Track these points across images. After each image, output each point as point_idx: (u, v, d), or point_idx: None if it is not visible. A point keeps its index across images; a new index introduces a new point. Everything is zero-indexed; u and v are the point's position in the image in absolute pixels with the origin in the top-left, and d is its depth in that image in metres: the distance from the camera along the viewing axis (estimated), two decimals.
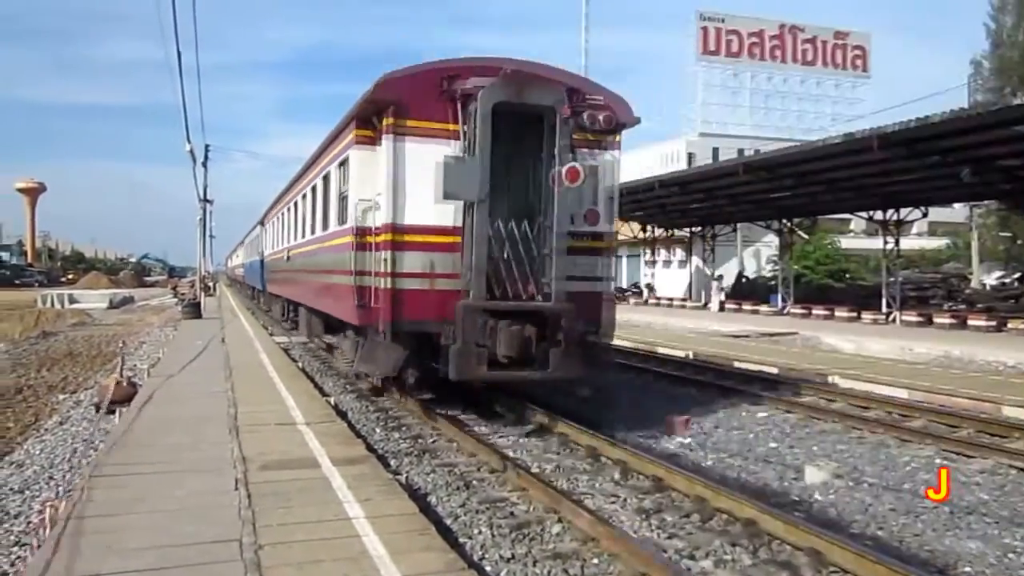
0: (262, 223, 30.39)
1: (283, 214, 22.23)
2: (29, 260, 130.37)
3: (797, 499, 7.76)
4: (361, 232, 10.57)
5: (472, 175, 9.46)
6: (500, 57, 10.40)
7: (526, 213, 10.11)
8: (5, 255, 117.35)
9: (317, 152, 15.08)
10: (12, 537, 7.34)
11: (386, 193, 10.03)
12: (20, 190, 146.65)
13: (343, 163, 11.89)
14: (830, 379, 14.91)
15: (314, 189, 15.49)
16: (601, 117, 10.40)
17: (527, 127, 9.98)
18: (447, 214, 10.01)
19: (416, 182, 9.92)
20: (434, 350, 10.15)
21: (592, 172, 10.08)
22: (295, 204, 19.13)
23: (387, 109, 10.02)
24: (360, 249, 10.57)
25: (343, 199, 11.87)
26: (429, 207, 9.90)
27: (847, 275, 44.20)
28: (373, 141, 10.51)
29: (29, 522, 7.65)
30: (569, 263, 10.03)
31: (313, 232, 15.75)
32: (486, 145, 9.50)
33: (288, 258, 20.38)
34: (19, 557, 6.66)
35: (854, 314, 30.13)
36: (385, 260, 10.03)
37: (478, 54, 10.75)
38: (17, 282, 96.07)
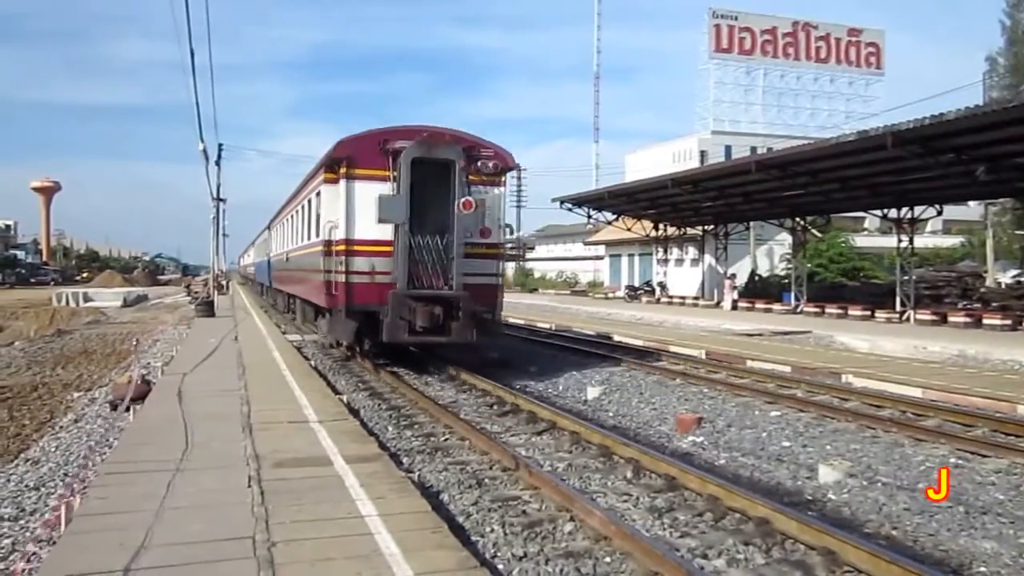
0: (269, 228, 34.32)
1: (283, 223, 26.65)
2: (44, 258, 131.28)
3: (811, 498, 7.72)
4: (328, 244, 14.66)
5: (399, 206, 13.77)
6: (420, 125, 14.72)
7: (440, 230, 14.23)
8: (20, 254, 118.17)
9: (303, 182, 19.89)
10: (28, 533, 7.39)
11: (342, 217, 14.40)
12: (35, 189, 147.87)
13: (318, 194, 16.12)
14: (843, 378, 14.83)
15: (302, 208, 19.81)
16: (490, 164, 14.88)
17: (440, 172, 14.11)
18: (384, 231, 14.09)
19: (362, 210, 14.17)
20: (377, 324, 14.10)
21: (482, 202, 14.32)
22: (291, 217, 23.52)
23: (343, 161, 14.50)
24: (327, 255, 14.71)
25: (318, 219, 16.06)
26: (371, 227, 14.08)
27: (861, 273, 43.91)
28: (336, 181, 14.65)
29: (44, 519, 7.70)
30: (468, 264, 14.39)
31: (302, 241, 20.03)
32: (407, 186, 13.81)
33: (287, 259, 24.65)
34: (34, 553, 6.69)
35: (868, 313, 29.96)
36: (342, 262, 14.38)
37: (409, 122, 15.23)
38: (32, 280, 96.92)
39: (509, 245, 17.96)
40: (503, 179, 15.51)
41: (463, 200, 13.92)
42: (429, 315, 13.56)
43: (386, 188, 14.09)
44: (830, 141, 24.74)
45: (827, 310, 31.77)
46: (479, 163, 14.78)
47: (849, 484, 8.10)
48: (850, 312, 30.58)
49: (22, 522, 8.14)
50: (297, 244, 21.46)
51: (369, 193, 14.12)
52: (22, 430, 15.62)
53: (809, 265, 38.66)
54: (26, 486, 9.82)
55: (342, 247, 14.47)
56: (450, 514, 6.81)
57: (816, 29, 64.28)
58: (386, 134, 14.41)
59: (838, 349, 21.44)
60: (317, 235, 16.06)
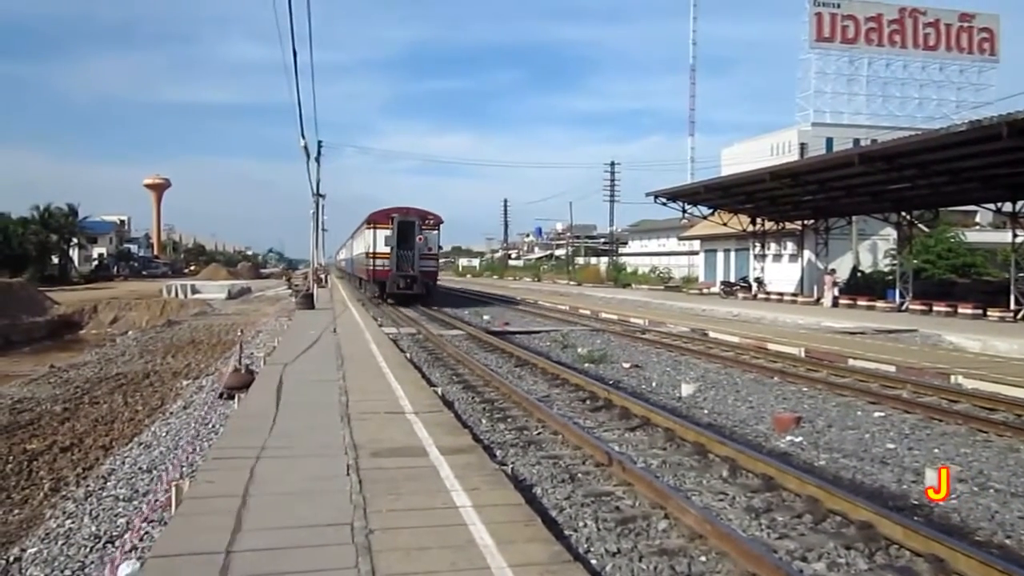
0: (351, 237, 53.31)
1: (354, 239, 48.03)
2: (155, 252, 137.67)
3: (916, 503, 7.42)
4: (366, 253, 35.84)
5: (392, 239, 33.93)
6: (404, 206, 35.72)
7: (409, 248, 34.02)
8: (134, 247, 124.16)
9: (360, 224, 41.39)
10: (141, 515, 7.75)
11: (371, 242, 34.68)
12: (147, 186, 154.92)
13: (363, 232, 38.16)
14: (953, 379, 14.20)
15: (358, 236, 42.31)
16: (431, 221, 35.32)
17: (410, 225, 34.27)
18: (387, 249, 34.03)
19: (379, 240, 34.27)
20: (384, 286, 34.80)
21: (427, 237, 34.82)
22: (358, 236, 43.43)
23: (373, 220, 35.24)
24: (366, 257, 35.88)
25: (364, 242, 37.48)
26: (382, 247, 34.15)
27: (972, 270, 41.82)
28: (371, 228, 34.95)
29: (157, 500, 8.07)
30: (421, 262, 34.37)
31: (359, 251, 40.58)
32: (396, 231, 34.00)
33: (356, 258, 45.88)
34: (147, 533, 7.03)
35: (979, 311, 28.55)
36: (372, 261, 34.95)
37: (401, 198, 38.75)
38: (144, 273, 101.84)
39: (441, 258, 47.77)
40: (438, 228, 35.88)
41: (419, 236, 33.95)
42: (404, 282, 33.58)
43: (388, 232, 33.76)
44: (940, 131, 23.71)
45: (934, 308, 30.41)
46: (426, 221, 34.92)
47: (959, 489, 7.76)
48: (960, 310, 29.20)
49: (135, 503, 8.58)
50: (358, 252, 43.38)
51: (382, 233, 33.99)
52: (135, 415, 16.47)
53: (915, 261, 37.06)
54: (139, 468, 10.35)
55: (372, 254, 34.69)
56: (543, 507, 6.82)
57: (924, 15, 61.52)
58: (389, 211, 34.63)
59: (946, 349, 20.54)
60: (364, 249, 37.32)
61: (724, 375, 15.43)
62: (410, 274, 33.59)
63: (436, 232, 35.72)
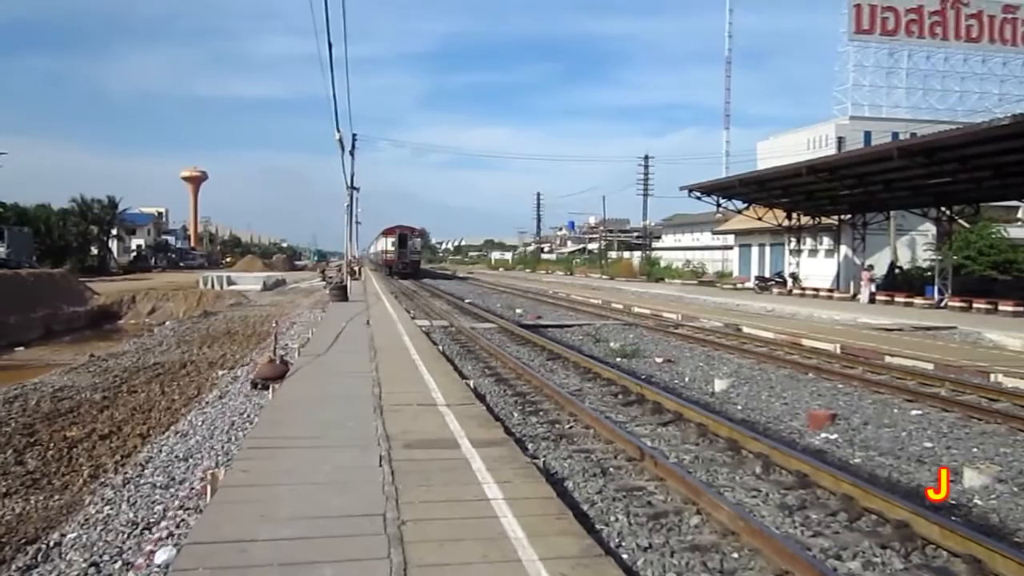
0: (375, 239, 78.65)
1: (377, 240, 74.45)
2: (192, 244, 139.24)
3: (954, 503, 7.31)
4: (383, 251, 68.37)
5: (395, 244, 65.58)
6: (403, 224, 69.38)
7: (404, 248, 65.71)
8: (171, 239, 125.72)
9: (379, 233, 72.28)
10: (177, 502, 7.87)
11: (385, 244, 67.32)
12: (184, 178, 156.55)
13: (380, 238, 71.17)
14: (993, 377, 13.95)
15: (379, 239, 72.18)
16: (416, 233, 71.29)
17: (404, 237, 66.10)
18: (392, 248, 65.68)
19: (388, 243, 66.19)
20: (392, 269, 65.43)
21: (414, 243, 68.80)
22: (378, 240, 73.20)
23: (385, 233, 67.89)
24: (383, 253, 68.23)
25: (381, 243, 70.20)
26: (391, 248, 65.66)
27: (1013, 267, 40.99)
28: (384, 236, 67.76)
29: (192, 488, 8.18)
30: (411, 255, 67.52)
31: (380, 248, 70.44)
32: (397, 239, 65.36)
33: (378, 252, 72.05)
34: (183, 520, 7.13)
35: (1020, 308, 28.00)
36: (384, 255, 67.26)
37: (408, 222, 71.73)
38: (181, 264, 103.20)
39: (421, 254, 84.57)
40: (421, 236, 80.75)
41: (410, 243, 66.19)
42: (401, 266, 64.05)
43: (393, 239, 64.76)
44: (982, 125, 23.26)
45: (975, 305, 29.84)
46: (414, 232, 68.52)
47: (998, 489, 7.64)
48: (1000, 308, 28.64)
49: (172, 490, 8.69)
50: (379, 249, 70.36)
51: (390, 240, 65.18)
52: (172, 404, 16.71)
53: (955, 257, 36.37)
54: (176, 456, 10.48)
55: (384, 251, 66.64)
56: (574, 501, 6.83)
57: (967, 6, 60.20)
58: (393, 228, 66.08)
59: (987, 346, 20.15)
60: (380, 248, 69.13)
61: (758, 371, 15.30)
62: (404, 262, 64.12)
63: (420, 239, 72.12)
